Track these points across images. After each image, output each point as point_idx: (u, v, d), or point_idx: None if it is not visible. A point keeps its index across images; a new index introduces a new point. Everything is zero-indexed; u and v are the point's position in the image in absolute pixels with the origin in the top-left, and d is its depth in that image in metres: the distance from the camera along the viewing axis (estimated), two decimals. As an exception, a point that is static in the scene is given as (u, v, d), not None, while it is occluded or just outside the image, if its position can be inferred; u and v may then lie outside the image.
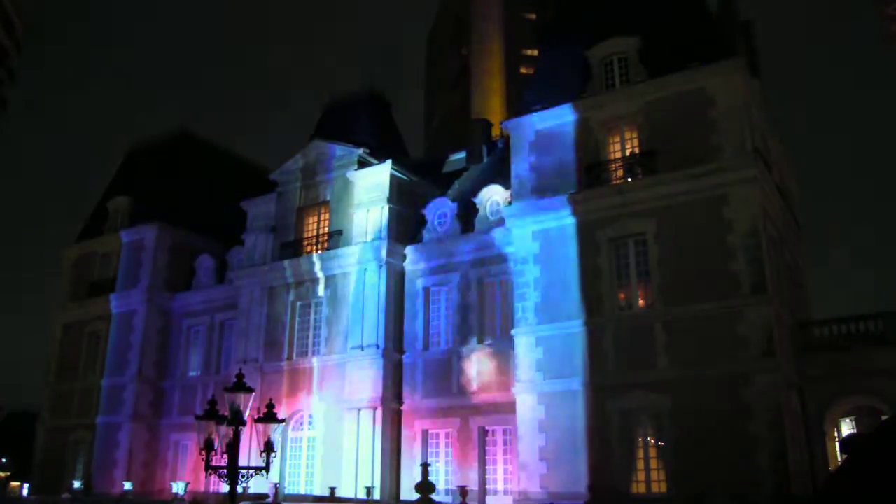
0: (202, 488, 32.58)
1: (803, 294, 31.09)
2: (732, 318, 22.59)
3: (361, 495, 27.58)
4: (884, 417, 22.60)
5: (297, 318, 33.28)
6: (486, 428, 28.28)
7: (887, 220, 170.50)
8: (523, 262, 26.83)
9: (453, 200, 32.07)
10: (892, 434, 3.32)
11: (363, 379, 30.04)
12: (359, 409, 29.68)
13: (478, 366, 28.81)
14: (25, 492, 40.85)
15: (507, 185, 29.22)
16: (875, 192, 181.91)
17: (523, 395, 25.53)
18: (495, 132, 37.47)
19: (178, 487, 31.43)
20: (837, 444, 26.25)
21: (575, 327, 25.12)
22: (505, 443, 27.82)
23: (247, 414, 14.46)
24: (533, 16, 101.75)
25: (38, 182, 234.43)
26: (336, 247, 32.40)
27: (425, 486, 23.64)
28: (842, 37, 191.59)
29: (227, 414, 14.09)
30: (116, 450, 36.68)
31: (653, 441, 23.56)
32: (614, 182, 25.88)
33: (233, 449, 14.05)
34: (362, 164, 33.13)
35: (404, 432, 29.74)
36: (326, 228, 33.44)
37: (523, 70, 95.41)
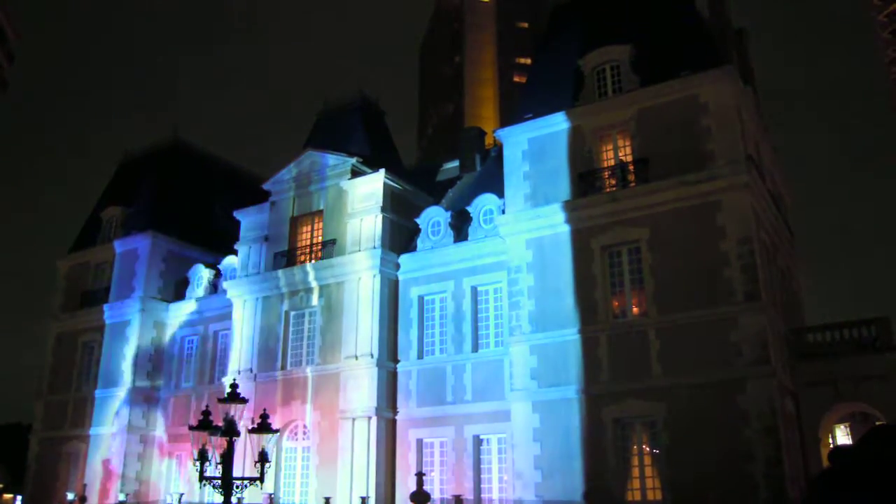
0: (196, 499, 32.44)
1: (797, 300, 31.16)
2: (726, 324, 22.62)
3: (356, 505, 27.49)
4: (878, 423, 22.63)
5: (290, 328, 33.20)
6: (481, 437, 28.22)
7: (881, 222, 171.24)
8: (517, 270, 26.84)
9: (447, 209, 32.09)
10: (874, 443, 3.35)
11: (357, 388, 29.97)
12: (353, 419, 29.60)
13: (472, 374, 28.77)
14: (18, 504, 40.64)
15: (500, 194, 29.24)
16: (869, 195, 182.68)
17: (518, 404, 25.51)
18: (489, 140, 37.52)
19: (172, 499, 31.32)
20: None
21: (569, 335, 25.12)
22: (500, 451, 27.75)
23: (241, 424, 14.43)
24: (526, 25, 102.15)
25: (30, 192, 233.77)
26: (330, 256, 32.36)
27: (420, 496, 23.60)
28: (838, 41, 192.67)
29: (221, 424, 14.07)
30: (110, 461, 36.51)
31: (647, 448, 23.55)
32: (607, 190, 25.93)
33: (227, 459, 14.01)
34: (356, 173, 33.12)
35: (399, 441, 29.65)
36: (320, 238, 33.41)
37: (516, 78, 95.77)
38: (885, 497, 3.12)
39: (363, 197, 32.37)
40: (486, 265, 29.42)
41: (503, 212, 28.27)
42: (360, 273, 31.18)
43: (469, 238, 30.25)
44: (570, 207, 26.11)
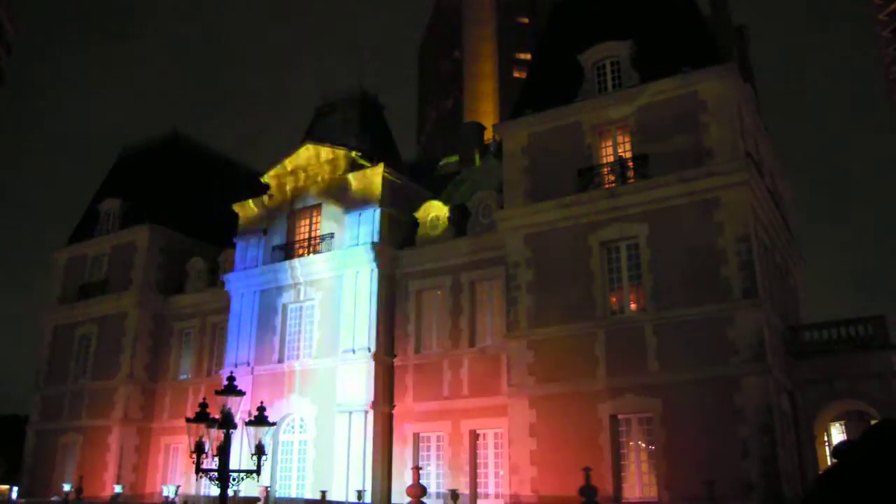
0: (193, 491, 32.47)
1: (794, 298, 31.20)
2: (723, 322, 22.64)
3: (353, 499, 27.51)
4: (872, 422, 22.68)
5: (288, 321, 33.21)
6: (478, 431, 28.27)
7: (880, 221, 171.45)
8: (515, 265, 26.84)
9: (446, 204, 32.08)
10: (877, 439, 3.36)
11: (355, 382, 30.00)
12: (350, 413, 29.64)
13: (469, 369, 28.80)
14: (15, 495, 40.55)
15: (499, 189, 29.24)
16: (868, 195, 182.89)
17: (515, 399, 25.53)
18: (488, 135, 37.50)
19: (168, 490, 31.32)
20: (828, 449, 26.34)
21: (566, 331, 25.13)
22: (496, 446, 27.81)
23: (238, 417, 14.43)
24: (525, 20, 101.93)
25: (26, 182, 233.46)
26: (328, 250, 32.36)
27: (417, 490, 23.64)
28: (839, 39, 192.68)
29: (217, 417, 14.06)
30: (107, 453, 36.52)
31: (643, 445, 23.59)
32: (606, 186, 25.92)
33: (223, 452, 14.01)
34: (355, 166, 33.10)
35: (396, 435, 29.70)
36: (318, 231, 33.39)
37: (516, 74, 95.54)
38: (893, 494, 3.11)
39: (362, 191, 32.35)
40: (485, 260, 29.42)
41: (502, 207, 28.26)
42: (357, 267, 31.18)
43: (468, 233, 30.25)
44: (569, 203, 26.10)
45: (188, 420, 14.18)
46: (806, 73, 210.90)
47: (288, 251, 33.80)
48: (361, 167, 32.97)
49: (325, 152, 33.85)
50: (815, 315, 33.89)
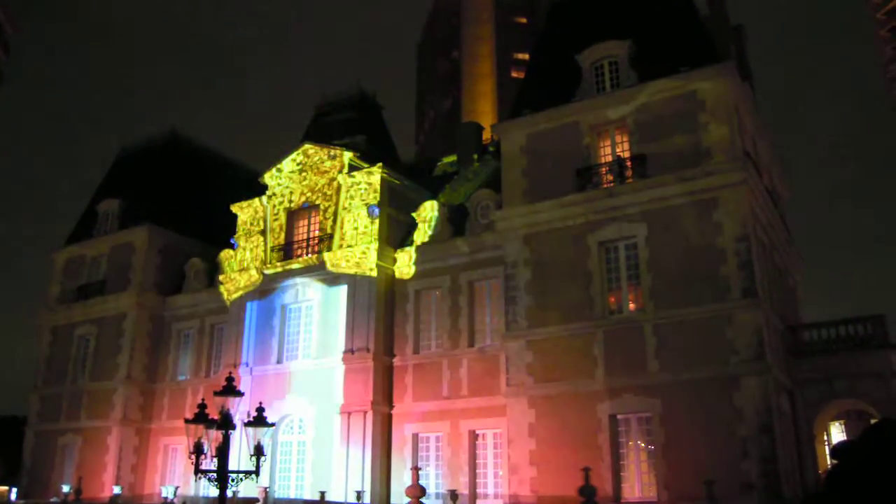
0: (192, 492, 32.44)
1: (793, 297, 31.21)
2: (723, 321, 22.65)
3: (352, 499, 27.51)
4: (872, 421, 22.70)
5: (287, 322, 33.19)
6: (477, 431, 28.26)
7: (879, 220, 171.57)
8: (514, 265, 26.84)
9: (444, 204, 32.07)
10: (876, 440, 3.34)
11: (353, 382, 29.98)
12: (349, 413, 29.62)
13: (468, 369, 28.78)
14: (13, 496, 40.49)
15: (497, 189, 29.23)
16: (867, 193, 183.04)
17: (514, 399, 25.52)
18: (486, 135, 37.47)
19: (167, 491, 31.30)
20: (828, 449, 26.35)
21: (565, 331, 25.12)
22: (495, 446, 27.80)
23: (237, 417, 14.42)
24: (524, 20, 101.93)
25: (24, 183, 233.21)
26: (326, 250, 32.34)
27: (416, 490, 23.64)
28: (838, 38, 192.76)
29: (216, 418, 14.06)
30: (105, 454, 36.46)
31: (643, 445, 23.59)
32: (605, 186, 25.92)
33: (222, 453, 14.01)
34: (353, 167, 33.08)
35: (395, 436, 29.67)
36: (316, 232, 33.37)
37: (514, 74, 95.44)
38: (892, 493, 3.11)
39: (360, 191, 32.33)
40: (483, 260, 29.42)
41: (500, 207, 28.25)
42: (356, 267, 31.16)
43: (466, 233, 30.24)
44: (568, 203, 26.09)
45: (187, 421, 14.18)
46: (805, 73, 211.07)
47: (286, 252, 33.78)
48: (360, 167, 32.95)
49: (324, 152, 33.81)
50: (815, 315, 33.87)
